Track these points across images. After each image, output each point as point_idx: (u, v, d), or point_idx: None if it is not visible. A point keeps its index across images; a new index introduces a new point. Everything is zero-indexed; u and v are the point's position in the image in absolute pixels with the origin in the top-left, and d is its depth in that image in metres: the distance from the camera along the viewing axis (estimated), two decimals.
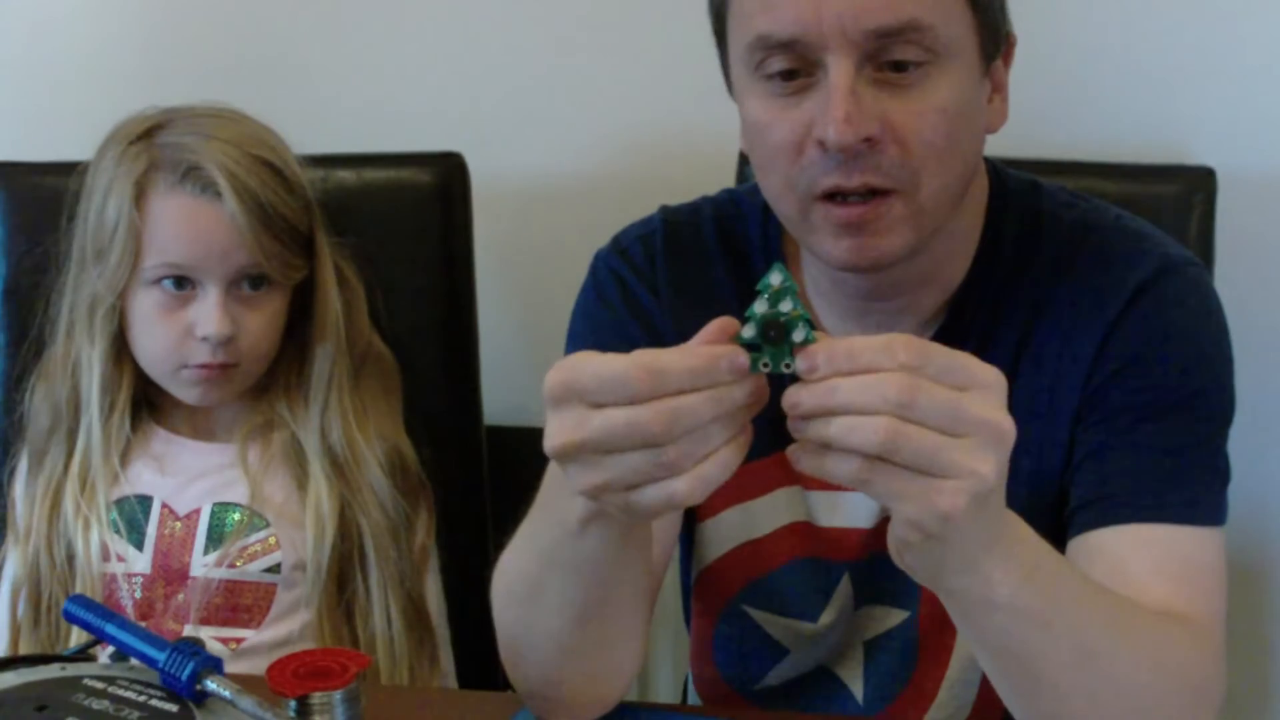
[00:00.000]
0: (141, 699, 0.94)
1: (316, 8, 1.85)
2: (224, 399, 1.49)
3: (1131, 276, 1.12)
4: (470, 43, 1.82)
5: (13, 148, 1.74)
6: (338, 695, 0.93)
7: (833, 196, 1.05)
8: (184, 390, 1.47)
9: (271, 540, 1.45)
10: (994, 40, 1.09)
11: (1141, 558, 1.05)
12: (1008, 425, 0.82)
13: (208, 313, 1.43)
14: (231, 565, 1.45)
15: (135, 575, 1.45)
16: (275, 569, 1.45)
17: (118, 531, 1.45)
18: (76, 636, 1.40)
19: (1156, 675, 0.98)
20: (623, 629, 1.05)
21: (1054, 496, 1.12)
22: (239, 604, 1.45)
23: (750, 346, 0.82)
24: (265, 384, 1.52)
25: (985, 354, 1.13)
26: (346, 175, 1.62)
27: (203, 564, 1.45)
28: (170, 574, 1.45)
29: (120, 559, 1.45)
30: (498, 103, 1.82)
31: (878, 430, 0.79)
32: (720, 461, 0.83)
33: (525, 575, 1.03)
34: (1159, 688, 0.98)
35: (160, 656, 0.95)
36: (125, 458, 1.48)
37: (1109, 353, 1.11)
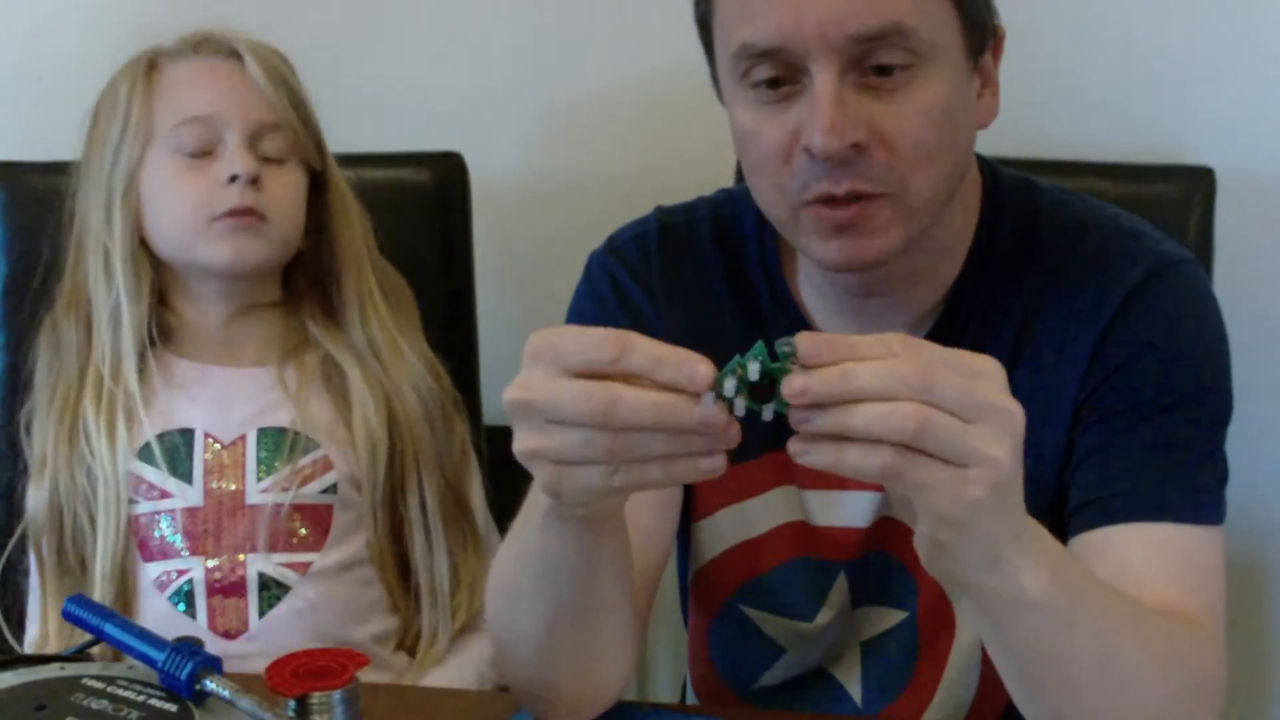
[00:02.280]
0: (141, 699, 0.94)
1: (316, 8, 1.85)
2: (257, 260, 1.45)
3: (1127, 275, 1.12)
4: (470, 43, 1.82)
5: (13, 148, 1.74)
6: (337, 695, 0.93)
7: (822, 201, 1.05)
8: (216, 248, 1.43)
9: (324, 460, 1.44)
10: (980, 36, 1.08)
11: (1143, 557, 1.05)
12: (1016, 408, 0.81)
13: (233, 155, 1.42)
14: (287, 489, 1.43)
15: (181, 510, 1.42)
16: (332, 489, 1.44)
17: (161, 467, 1.43)
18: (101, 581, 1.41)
19: (1168, 675, 0.98)
20: (606, 633, 1.04)
21: (1053, 497, 1.12)
22: (299, 528, 1.44)
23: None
24: (292, 305, 1.51)
25: (982, 351, 1.14)
26: (346, 175, 1.62)
27: (259, 491, 1.43)
28: (225, 505, 1.43)
29: (168, 494, 1.43)
30: (498, 103, 1.82)
31: (909, 416, 0.77)
32: (662, 470, 0.82)
33: (505, 576, 1.03)
34: (1170, 688, 0.98)
35: (159, 656, 0.95)
36: (150, 392, 1.45)
37: (1105, 352, 1.11)
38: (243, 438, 1.45)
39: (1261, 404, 1.58)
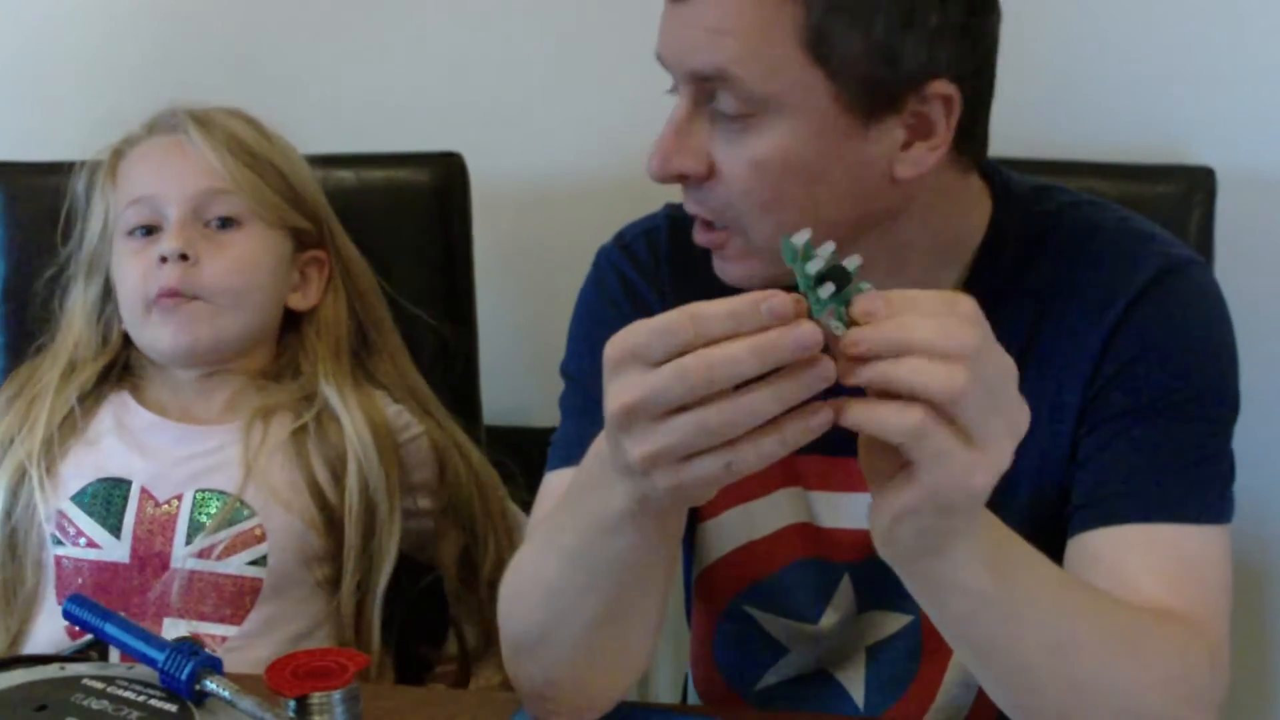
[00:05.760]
0: (141, 699, 0.94)
1: (316, 8, 1.85)
2: (198, 344, 1.42)
3: (1135, 277, 1.11)
4: (470, 43, 1.82)
5: (13, 148, 1.74)
6: (337, 695, 0.93)
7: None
8: (156, 335, 1.43)
9: (257, 531, 1.40)
10: (877, 93, 1.01)
11: (1140, 557, 1.05)
12: (1027, 416, 0.81)
13: (166, 234, 1.42)
14: (218, 557, 1.39)
15: (106, 564, 1.39)
16: (261, 561, 1.39)
17: (92, 515, 1.40)
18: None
19: (1140, 670, 0.98)
20: (637, 635, 1.04)
21: (1057, 497, 1.12)
22: (221, 598, 1.39)
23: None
24: (285, 363, 1.49)
25: None
26: (346, 175, 1.62)
27: (186, 554, 1.39)
28: (150, 565, 1.39)
29: (95, 545, 1.39)
30: (498, 103, 1.82)
31: (955, 374, 0.75)
32: (778, 439, 0.79)
33: (544, 574, 1.02)
34: (1142, 683, 0.98)
35: (160, 656, 0.95)
36: (96, 433, 1.44)
37: (1112, 353, 1.11)
38: (179, 496, 1.41)
39: (1261, 404, 1.58)
